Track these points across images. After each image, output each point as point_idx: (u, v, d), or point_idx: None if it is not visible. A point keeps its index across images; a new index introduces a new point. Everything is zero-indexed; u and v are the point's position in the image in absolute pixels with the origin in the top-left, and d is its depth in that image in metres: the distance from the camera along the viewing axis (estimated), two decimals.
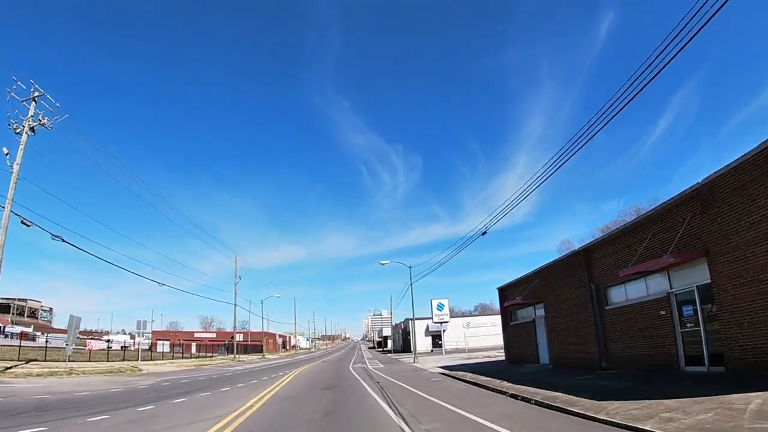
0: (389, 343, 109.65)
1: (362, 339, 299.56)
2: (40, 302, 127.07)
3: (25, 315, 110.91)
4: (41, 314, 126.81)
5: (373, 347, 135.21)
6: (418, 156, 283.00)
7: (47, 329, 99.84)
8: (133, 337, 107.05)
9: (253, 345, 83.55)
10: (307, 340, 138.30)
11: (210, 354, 63.43)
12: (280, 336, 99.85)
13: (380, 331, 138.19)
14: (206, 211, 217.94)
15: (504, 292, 30.09)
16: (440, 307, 46.54)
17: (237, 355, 50.13)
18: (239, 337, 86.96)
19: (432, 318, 45.91)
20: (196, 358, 53.90)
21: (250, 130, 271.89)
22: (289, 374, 26.53)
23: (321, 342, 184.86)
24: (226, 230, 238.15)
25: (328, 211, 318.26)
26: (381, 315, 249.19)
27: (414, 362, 35.77)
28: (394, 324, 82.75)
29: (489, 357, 35.93)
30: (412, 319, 63.53)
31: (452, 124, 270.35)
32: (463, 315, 70.70)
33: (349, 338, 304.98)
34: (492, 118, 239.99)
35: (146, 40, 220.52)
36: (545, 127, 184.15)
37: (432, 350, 61.89)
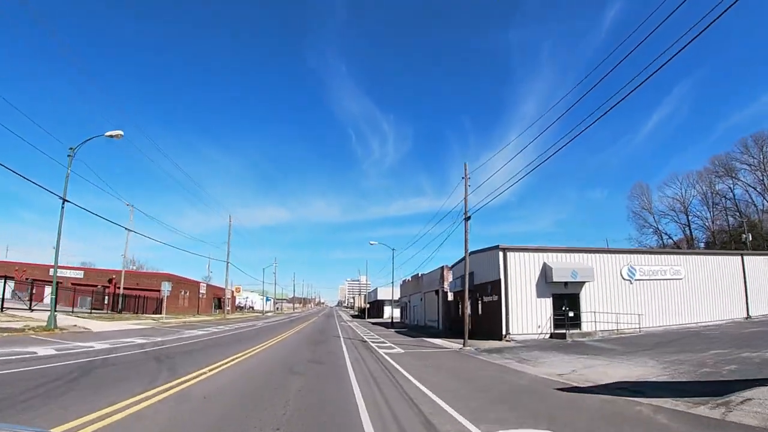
0: (388, 311, 71.23)
1: (338, 305, 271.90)
2: None
3: None
4: None
5: (358, 316, 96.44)
6: (409, 127, 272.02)
7: None
8: None
9: (149, 295, 43.38)
10: (267, 299, 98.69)
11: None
12: (209, 287, 59.72)
13: (370, 293, 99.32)
14: (193, 164, 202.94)
15: None
16: None
17: None
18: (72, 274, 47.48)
19: None
20: None
21: (242, 84, 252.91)
22: None
23: (288, 305, 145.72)
24: (211, 185, 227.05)
25: (315, 175, 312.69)
26: (359, 281, 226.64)
27: None
28: (417, 275, 43.89)
29: None
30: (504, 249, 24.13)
31: (448, 99, 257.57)
32: (602, 250, 29.75)
33: (323, 303, 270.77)
34: (488, 97, 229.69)
35: None
36: (539, 112, 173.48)
37: (552, 332, 23.10)
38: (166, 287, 31.03)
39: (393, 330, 35.17)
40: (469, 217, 18.64)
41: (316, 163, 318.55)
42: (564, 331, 22.84)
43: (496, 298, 22.93)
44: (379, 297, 77.38)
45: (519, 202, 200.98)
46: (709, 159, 68.91)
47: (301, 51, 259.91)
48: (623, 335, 24.19)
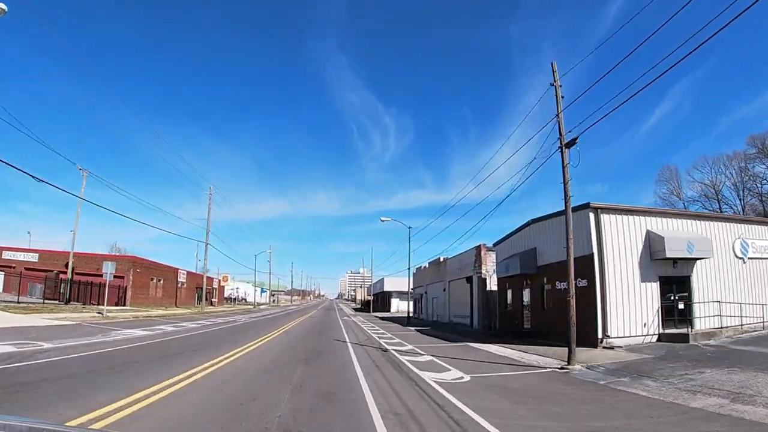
0: (396, 303, 64.20)
1: (338, 298, 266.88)
2: None
3: None
4: None
5: (361, 309, 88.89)
6: (410, 120, 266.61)
7: None
8: None
9: (111, 283, 35.40)
10: (262, 291, 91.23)
11: None
12: (190, 275, 51.97)
13: (375, 284, 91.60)
14: (194, 157, 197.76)
15: None
16: None
17: None
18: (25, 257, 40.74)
19: None
20: None
21: (242, 84, 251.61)
22: None
23: (285, 297, 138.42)
24: (212, 179, 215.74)
25: (316, 168, 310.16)
26: (360, 273, 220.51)
27: None
28: (439, 260, 36.02)
29: None
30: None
31: (450, 92, 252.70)
32: (712, 216, 23.67)
33: (323, 296, 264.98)
34: (489, 91, 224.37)
35: None
36: (540, 108, 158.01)
37: (661, 332, 15.48)
38: (108, 268, 23.19)
39: (413, 329, 27.50)
40: (571, 143, 10.90)
41: (316, 157, 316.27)
42: (684, 330, 15.26)
43: (584, 282, 15.29)
44: (386, 288, 69.79)
45: (519, 196, 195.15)
46: (746, 138, 61.51)
47: (302, 50, 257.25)
48: (752, 333, 16.78)
